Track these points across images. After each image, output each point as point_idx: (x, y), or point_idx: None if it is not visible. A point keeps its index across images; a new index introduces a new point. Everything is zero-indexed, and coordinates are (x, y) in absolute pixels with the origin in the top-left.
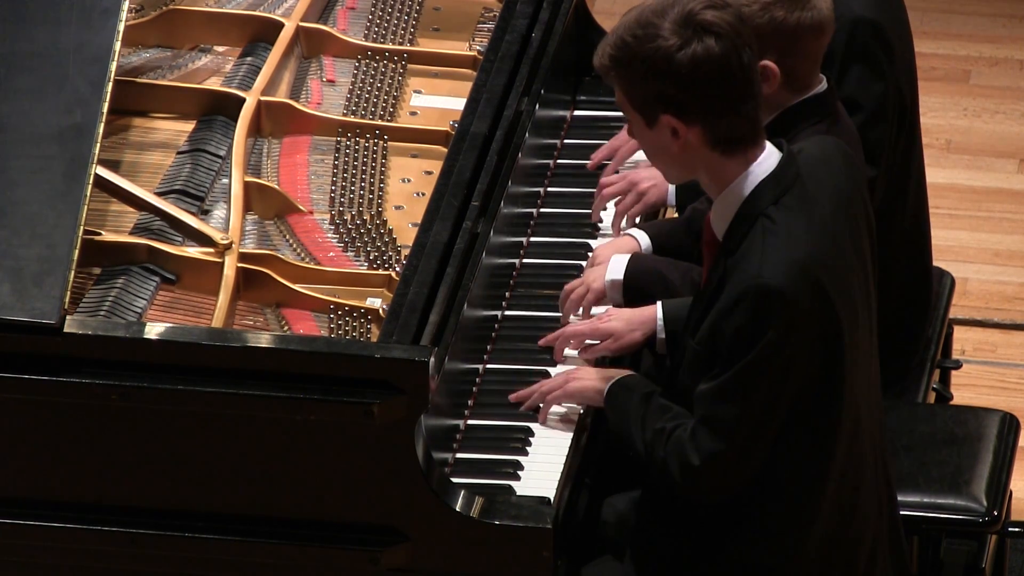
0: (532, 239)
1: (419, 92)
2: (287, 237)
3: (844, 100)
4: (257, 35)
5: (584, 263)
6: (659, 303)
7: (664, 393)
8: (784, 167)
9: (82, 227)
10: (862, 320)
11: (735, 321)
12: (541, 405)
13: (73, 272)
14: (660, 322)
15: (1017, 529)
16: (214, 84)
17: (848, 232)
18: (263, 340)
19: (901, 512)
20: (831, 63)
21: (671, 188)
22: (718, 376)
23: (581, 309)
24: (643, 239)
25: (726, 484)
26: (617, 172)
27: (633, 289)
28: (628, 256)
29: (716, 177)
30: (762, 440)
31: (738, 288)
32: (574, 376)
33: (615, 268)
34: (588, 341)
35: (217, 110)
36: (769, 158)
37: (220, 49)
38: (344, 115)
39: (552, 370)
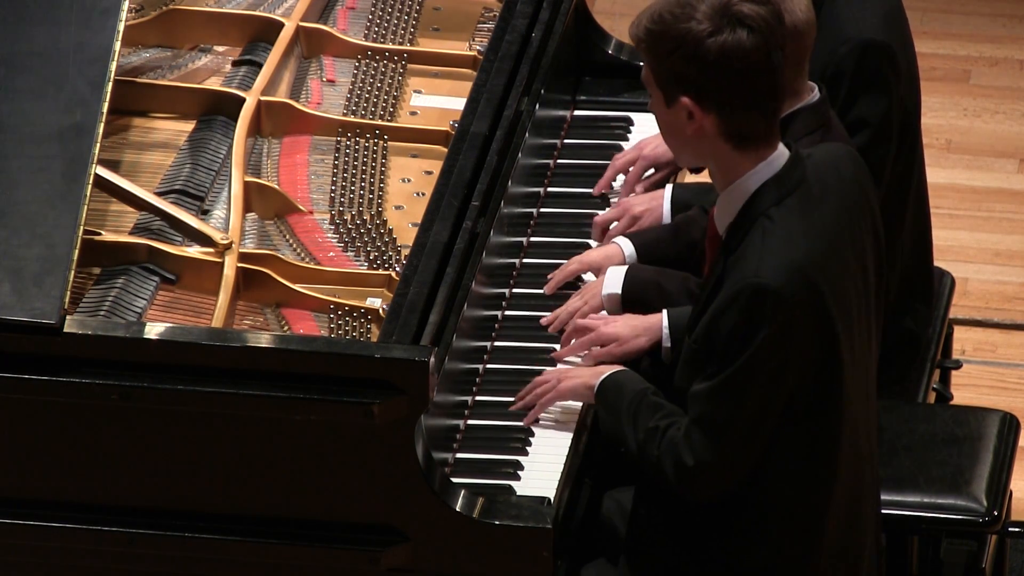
0: (532, 239)
1: (419, 92)
2: (287, 237)
3: (852, 120)
4: (257, 35)
5: None
6: (665, 312)
7: (656, 391)
8: (790, 169)
9: (82, 227)
10: (859, 324)
11: (730, 320)
12: (537, 404)
13: (73, 272)
14: (666, 330)
15: (1017, 529)
16: (214, 84)
17: (850, 237)
18: (263, 340)
19: (901, 512)
20: (839, 84)
21: (666, 211)
22: (713, 376)
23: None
24: (627, 247)
25: (720, 484)
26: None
27: (631, 301)
28: (625, 268)
29: (724, 169)
30: (756, 441)
31: (734, 287)
32: (566, 375)
33: (612, 282)
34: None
35: (217, 110)
36: (778, 159)
37: (220, 49)
38: (344, 115)
39: (552, 370)
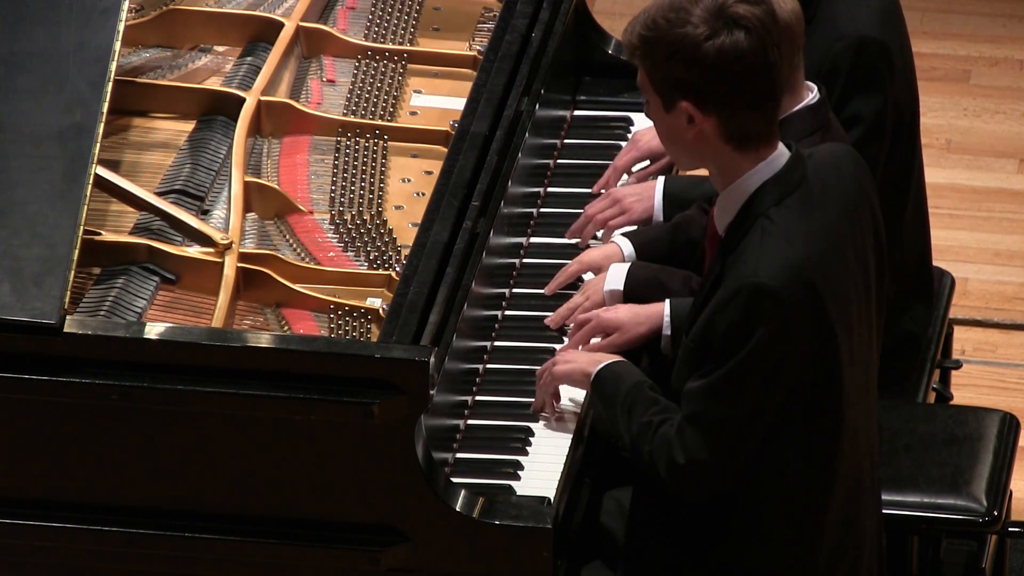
0: (532, 239)
1: (419, 92)
2: (287, 237)
3: (846, 117)
4: (257, 35)
5: None
6: (667, 301)
7: (653, 385)
8: (790, 169)
9: (82, 227)
10: (859, 326)
11: (727, 318)
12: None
13: (73, 272)
14: (667, 318)
15: (1017, 529)
16: (214, 84)
17: (850, 238)
18: (263, 340)
19: (901, 512)
20: (834, 80)
21: (658, 204)
22: (708, 374)
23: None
24: (626, 246)
25: (711, 482)
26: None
27: (633, 298)
28: (627, 265)
29: (725, 170)
30: (748, 440)
31: (733, 286)
32: (561, 359)
33: (614, 278)
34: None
35: (217, 110)
36: (778, 158)
37: (220, 49)
38: (344, 115)
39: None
